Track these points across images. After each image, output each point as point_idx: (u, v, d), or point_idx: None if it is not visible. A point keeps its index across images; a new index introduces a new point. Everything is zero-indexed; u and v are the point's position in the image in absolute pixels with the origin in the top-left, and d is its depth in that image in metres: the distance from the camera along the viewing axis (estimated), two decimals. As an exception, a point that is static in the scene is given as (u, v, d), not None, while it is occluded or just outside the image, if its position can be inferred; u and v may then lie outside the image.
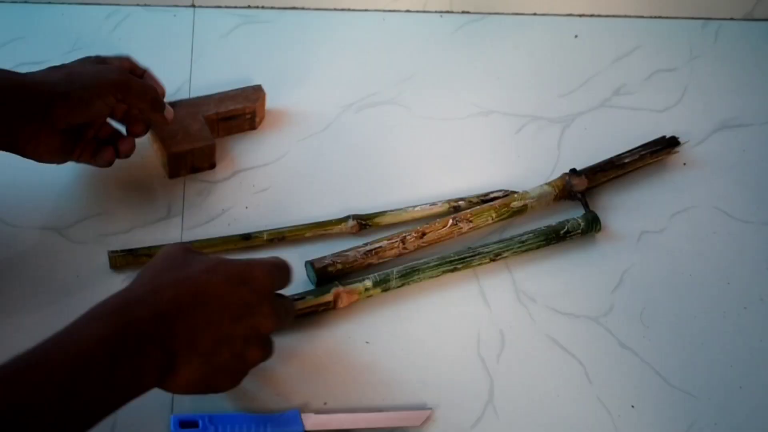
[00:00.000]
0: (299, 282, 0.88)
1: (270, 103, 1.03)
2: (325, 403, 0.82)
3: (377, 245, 0.90)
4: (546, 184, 0.98)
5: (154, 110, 0.90)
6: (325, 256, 0.89)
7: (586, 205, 0.97)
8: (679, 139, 1.05)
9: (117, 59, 0.93)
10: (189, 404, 0.80)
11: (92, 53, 1.06)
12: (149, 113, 0.90)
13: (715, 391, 0.87)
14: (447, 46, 1.17)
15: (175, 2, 1.15)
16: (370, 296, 0.88)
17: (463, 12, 1.20)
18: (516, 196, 0.96)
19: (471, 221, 0.94)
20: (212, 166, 0.97)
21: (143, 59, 1.07)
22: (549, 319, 0.90)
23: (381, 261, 0.90)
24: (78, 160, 0.90)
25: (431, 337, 0.87)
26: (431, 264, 0.89)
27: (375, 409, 0.82)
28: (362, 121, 1.06)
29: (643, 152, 1.03)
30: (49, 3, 1.14)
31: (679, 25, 1.24)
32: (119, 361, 0.64)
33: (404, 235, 0.91)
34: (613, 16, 1.23)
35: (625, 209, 1.00)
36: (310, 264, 0.88)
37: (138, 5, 1.15)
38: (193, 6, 1.16)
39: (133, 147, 0.91)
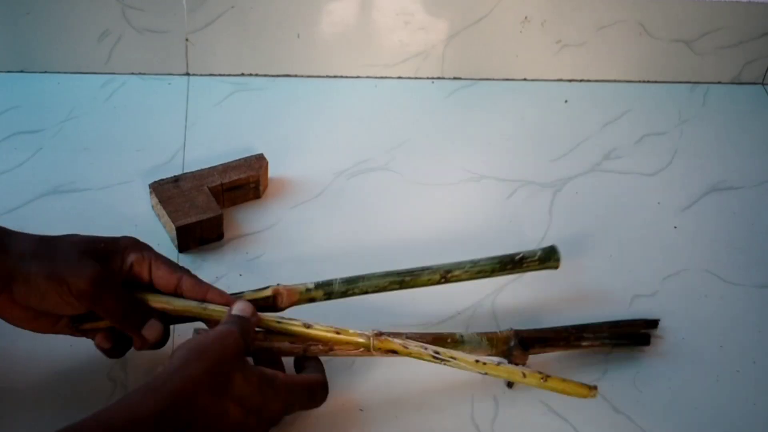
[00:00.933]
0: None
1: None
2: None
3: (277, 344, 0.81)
4: (486, 337, 0.87)
5: (125, 329, 0.77)
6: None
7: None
8: (650, 337, 0.94)
9: (120, 242, 0.79)
10: None
11: (88, 121, 1.08)
12: (121, 328, 0.78)
13: (710, 456, 0.87)
14: (439, 112, 1.18)
15: (170, 71, 1.17)
16: (312, 299, 0.85)
17: (455, 78, 1.21)
18: (448, 343, 0.85)
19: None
20: (220, 236, 0.97)
21: (138, 127, 1.09)
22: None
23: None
24: (74, 335, 0.80)
25: (426, 404, 0.87)
26: (377, 274, 0.87)
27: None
28: (355, 187, 1.06)
29: (606, 341, 0.91)
30: (45, 72, 1.15)
31: (668, 89, 1.25)
32: None
33: (310, 344, 0.81)
34: (602, 80, 1.24)
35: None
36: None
37: (133, 74, 1.16)
38: (188, 74, 1.17)
39: (156, 334, 0.78)
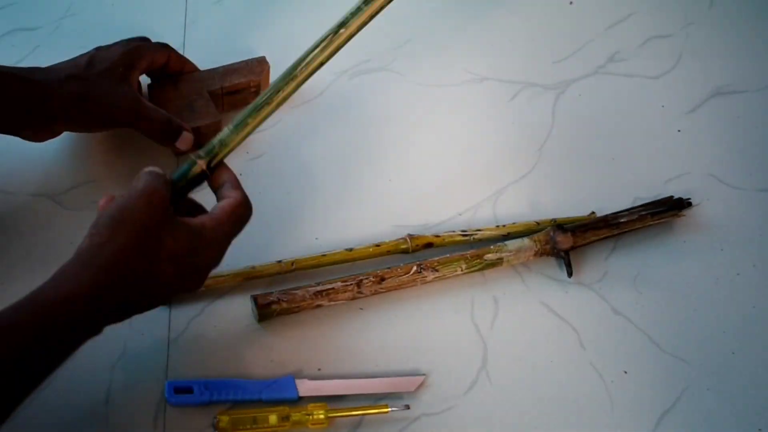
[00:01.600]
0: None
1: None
2: (319, 369, 0.82)
3: (329, 286, 0.85)
4: (527, 237, 0.91)
5: (163, 142, 0.91)
6: (271, 292, 0.84)
7: (568, 265, 0.90)
8: (690, 201, 0.98)
9: (154, 49, 0.94)
10: (184, 371, 0.80)
11: (86, 18, 1.07)
12: (160, 143, 0.91)
13: (708, 357, 0.88)
14: (441, 12, 1.15)
15: (169, -33, 1.14)
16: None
17: (458, -22, 1.19)
18: (492, 248, 0.89)
19: (437, 270, 0.88)
20: None
21: (136, 25, 1.07)
22: (542, 285, 0.90)
23: (332, 303, 0.85)
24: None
25: (425, 304, 0.87)
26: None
27: (368, 375, 0.82)
28: (356, 87, 1.05)
29: (643, 212, 0.94)
30: (42, -32, 1.12)
31: (675, -9, 1.23)
32: (74, 333, 0.68)
33: (361, 278, 0.86)
34: (608, -18, 1.22)
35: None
36: (253, 298, 0.84)
37: (134, -30, 1.14)
38: (185, -28, 1.15)
39: (188, 143, 0.92)
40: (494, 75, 1.08)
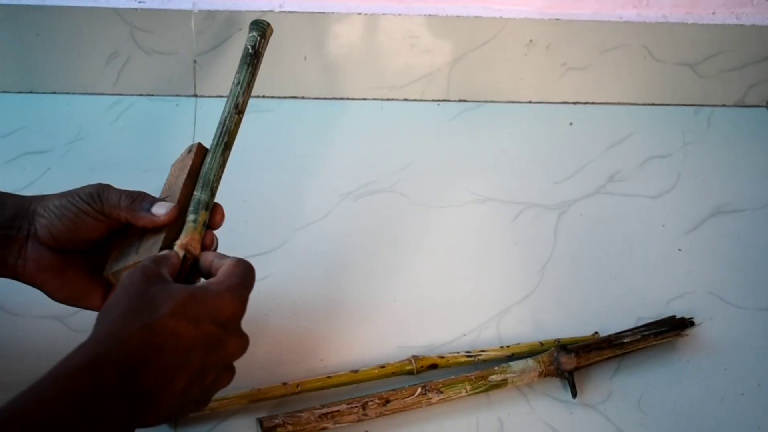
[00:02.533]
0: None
1: (270, 190, 1.04)
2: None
3: (335, 408, 0.84)
4: (531, 358, 0.91)
5: (136, 214, 0.78)
6: (276, 415, 0.84)
7: (572, 386, 0.90)
8: (693, 321, 0.99)
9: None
10: None
11: (96, 142, 1.09)
12: (132, 219, 0.78)
13: (714, 479, 0.87)
14: (444, 134, 1.18)
15: (178, 92, 1.17)
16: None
17: (460, 100, 1.22)
18: (496, 369, 0.89)
19: (442, 392, 0.87)
20: None
21: (145, 148, 1.09)
22: (547, 406, 0.90)
23: (337, 426, 0.84)
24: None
25: (430, 425, 0.87)
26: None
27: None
28: (361, 209, 1.07)
29: (646, 332, 0.95)
30: (54, 93, 1.15)
31: (672, 111, 1.25)
32: (87, 420, 0.62)
33: (366, 400, 0.85)
34: (607, 103, 1.25)
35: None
36: (259, 421, 0.84)
37: (141, 95, 1.17)
38: (195, 96, 1.18)
39: (166, 211, 0.78)
40: (496, 196, 1.10)
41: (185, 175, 0.82)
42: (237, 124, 0.86)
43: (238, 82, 0.87)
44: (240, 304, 0.72)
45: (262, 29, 0.91)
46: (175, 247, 0.76)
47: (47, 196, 0.80)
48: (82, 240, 0.79)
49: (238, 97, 0.86)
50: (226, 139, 0.84)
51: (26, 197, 0.81)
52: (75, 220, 0.78)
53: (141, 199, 0.79)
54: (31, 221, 0.78)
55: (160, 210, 0.78)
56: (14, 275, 0.80)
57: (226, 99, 0.87)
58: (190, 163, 0.83)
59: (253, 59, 0.89)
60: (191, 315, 0.68)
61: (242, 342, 0.72)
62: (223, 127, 0.85)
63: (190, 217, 0.79)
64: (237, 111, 0.86)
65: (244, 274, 0.73)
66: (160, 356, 0.65)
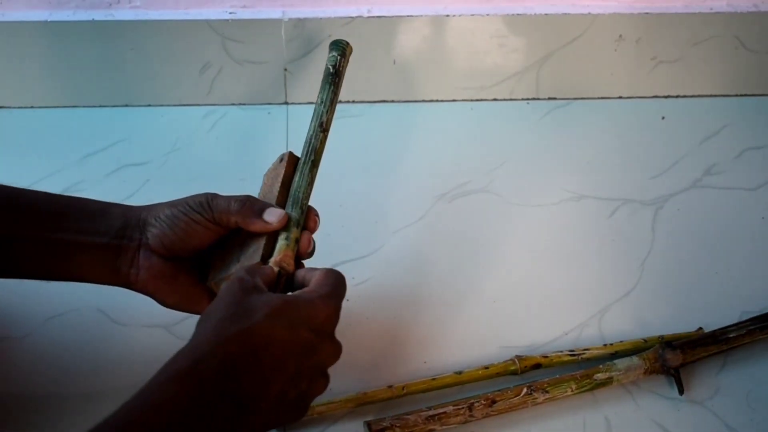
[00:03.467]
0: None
1: (365, 194, 1.05)
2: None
3: (441, 410, 0.85)
4: (636, 356, 0.90)
5: (246, 219, 0.80)
6: (384, 418, 0.85)
7: (679, 382, 0.90)
8: None
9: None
10: None
11: (191, 152, 1.11)
12: (244, 224, 0.80)
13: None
14: (535, 132, 1.18)
15: (269, 100, 1.19)
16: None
17: (550, 98, 1.21)
18: (601, 367, 0.89)
19: (547, 391, 0.87)
20: None
21: (240, 157, 1.11)
22: (653, 403, 0.89)
23: (444, 427, 0.85)
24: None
25: (536, 425, 0.87)
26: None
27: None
28: (456, 210, 1.07)
29: (751, 327, 0.93)
30: (149, 106, 1.17)
31: (766, 102, 1.23)
32: (194, 421, 0.64)
33: (472, 401, 0.86)
34: (699, 96, 1.23)
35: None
36: (367, 424, 0.84)
37: (233, 105, 1.18)
38: (286, 103, 1.19)
39: (278, 217, 0.80)
40: (592, 193, 1.09)
41: (279, 184, 0.84)
42: (323, 142, 0.87)
43: (321, 102, 0.89)
44: (333, 311, 0.73)
45: (341, 48, 0.92)
46: (270, 263, 0.78)
47: (155, 205, 0.82)
48: (193, 248, 0.81)
49: (321, 115, 0.88)
50: (312, 158, 0.86)
51: (132, 207, 0.83)
52: (186, 229, 0.80)
53: (251, 204, 0.80)
54: (143, 230, 0.80)
55: (272, 217, 0.80)
56: (127, 284, 0.82)
57: (311, 116, 0.88)
58: (282, 172, 0.85)
59: (334, 78, 0.90)
60: (286, 321, 0.69)
61: (335, 349, 0.73)
62: (309, 145, 0.86)
63: (282, 235, 0.80)
64: (322, 129, 0.87)
65: (335, 283, 0.74)
66: (256, 359, 0.67)
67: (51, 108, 1.16)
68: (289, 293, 0.74)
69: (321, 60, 1.14)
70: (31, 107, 1.16)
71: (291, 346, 0.69)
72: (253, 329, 0.68)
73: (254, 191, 0.98)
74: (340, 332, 0.74)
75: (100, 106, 1.17)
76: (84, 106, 1.17)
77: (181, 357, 0.67)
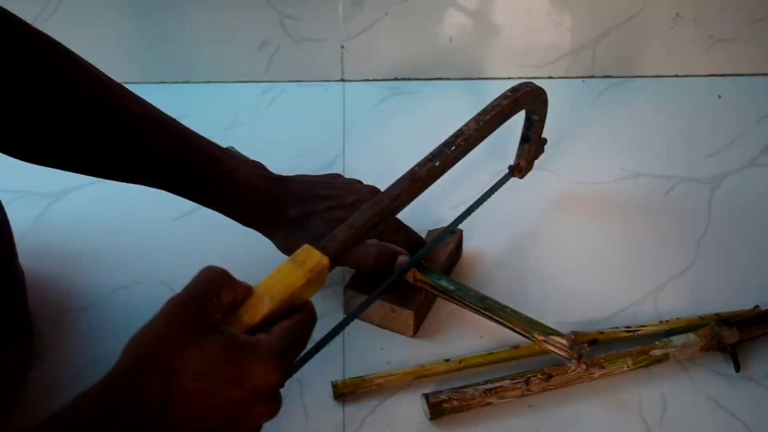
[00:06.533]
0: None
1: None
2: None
3: (498, 384, 0.85)
4: (692, 333, 0.90)
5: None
6: (441, 391, 0.85)
7: (735, 360, 0.89)
8: None
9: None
10: (360, 468, 0.81)
11: (250, 128, 1.12)
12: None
13: None
14: (591, 110, 1.17)
15: (326, 77, 1.19)
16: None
17: (605, 76, 1.21)
18: (657, 343, 0.89)
19: (604, 367, 0.87)
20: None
21: (298, 133, 1.11)
22: (710, 380, 0.89)
23: (501, 401, 0.85)
24: None
25: (593, 400, 0.87)
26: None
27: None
28: (511, 188, 1.06)
29: None
30: (208, 82, 1.19)
31: (824, 80, 1.22)
32: None
33: (529, 375, 0.86)
34: (756, 74, 1.22)
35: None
36: (425, 397, 0.85)
37: (290, 81, 1.19)
38: (343, 80, 1.20)
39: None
40: (648, 171, 1.09)
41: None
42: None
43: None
44: (279, 371, 0.64)
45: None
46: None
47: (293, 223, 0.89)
48: None
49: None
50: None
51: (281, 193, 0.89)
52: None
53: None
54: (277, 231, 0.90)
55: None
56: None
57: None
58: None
59: None
60: (218, 378, 0.62)
61: (269, 410, 0.65)
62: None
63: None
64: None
65: (296, 338, 0.66)
66: (174, 413, 0.61)
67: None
68: (242, 339, 0.63)
69: (377, 37, 1.15)
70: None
71: (214, 406, 0.62)
72: (177, 382, 0.60)
73: (309, 167, 1.00)
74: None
75: (161, 82, 1.18)
76: (144, 83, 1.18)
77: (95, 394, 0.61)
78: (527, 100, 0.89)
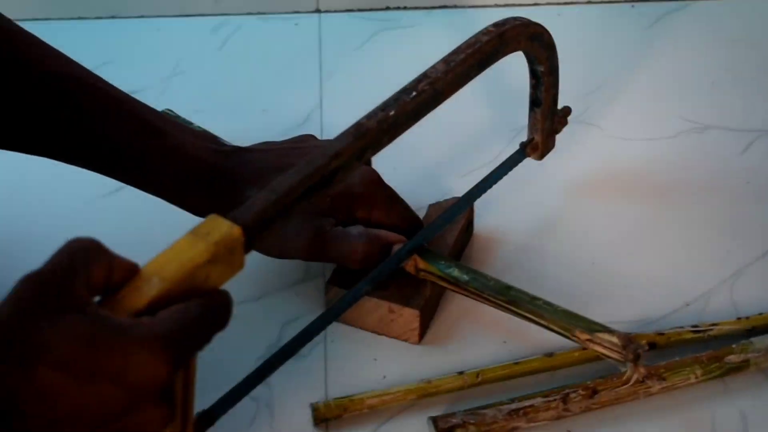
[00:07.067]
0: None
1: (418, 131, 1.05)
2: None
3: (527, 403, 0.85)
4: None
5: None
6: (454, 413, 0.84)
7: None
8: None
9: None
10: None
11: (197, 76, 1.11)
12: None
13: None
14: (643, 44, 1.17)
15: (296, 8, 1.19)
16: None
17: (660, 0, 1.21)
18: (734, 347, 0.89)
19: (664, 378, 0.87)
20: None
21: (261, 81, 1.11)
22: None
23: (532, 425, 0.85)
24: None
25: (650, 422, 0.87)
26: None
27: None
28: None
29: None
30: (141, 17, 1.18)
31: None
32: None
33: (567, 391, 0.86)
34: None
35: None
36: (432, 421, 0.84)
37: (250, 14, 1.19)
38: (318, 11, 1.19)
39: None
40: (719, 122, 1.09)
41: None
42: None
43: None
44: (166, 362, 0.62)
45: None
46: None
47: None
48: None
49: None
50: None
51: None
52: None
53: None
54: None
55: None
56: None
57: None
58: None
59: None
60: (83, 369, 0.60)
61: (156, 417, 0.63)
62: None
63: None
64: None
65: (192, 324, 0.63)
66: (22, 415, 0.59)
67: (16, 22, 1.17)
68: (117, 321, 0.61)
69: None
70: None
71: (81, 406, 0.60)
72: (35, 374, 0.59)
73: (279, 125, 1.00)
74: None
75: (79, 17, 1.18)
76: (57, 19, 1.18)
77: None
78: (517, 39, 0.87)
